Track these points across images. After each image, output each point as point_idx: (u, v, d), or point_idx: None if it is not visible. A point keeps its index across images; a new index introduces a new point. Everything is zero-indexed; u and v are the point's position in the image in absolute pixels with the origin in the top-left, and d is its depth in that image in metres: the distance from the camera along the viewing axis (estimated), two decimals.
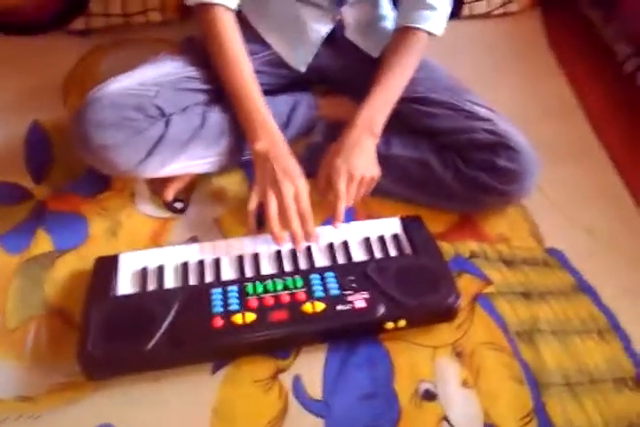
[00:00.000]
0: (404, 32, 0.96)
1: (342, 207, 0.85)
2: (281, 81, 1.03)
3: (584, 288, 0.87)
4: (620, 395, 0.75)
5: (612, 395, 0.75)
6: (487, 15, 1.32)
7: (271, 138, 0.86)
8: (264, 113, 0.87)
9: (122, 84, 0.86)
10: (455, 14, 1.30)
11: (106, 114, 0.83)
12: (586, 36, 1.28)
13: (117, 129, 0.83)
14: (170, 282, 0.80)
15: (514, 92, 1.17)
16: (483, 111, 0.95)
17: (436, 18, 0.95)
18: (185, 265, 0.82)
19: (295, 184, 0.83)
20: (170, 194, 0.95)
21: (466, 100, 0.96)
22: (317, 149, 1.00)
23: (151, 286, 0.80)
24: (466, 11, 1.31)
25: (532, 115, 1.11)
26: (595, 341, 0.81)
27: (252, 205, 0.85)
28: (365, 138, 0.90)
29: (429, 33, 0.96)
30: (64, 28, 1.24)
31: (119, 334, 0.72)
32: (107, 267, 0.81)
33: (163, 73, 0.91)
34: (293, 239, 0.83)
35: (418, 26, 0.95)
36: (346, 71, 1.03)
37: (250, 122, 0.87)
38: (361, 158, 0.88)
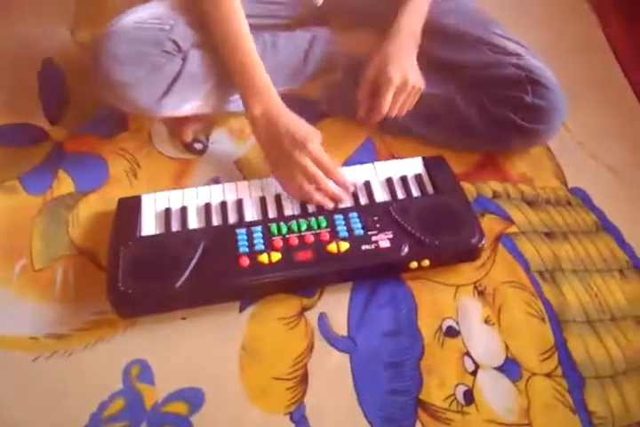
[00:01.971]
0: None
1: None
2: (296, 15, 0.99)
3: (606, 227, 0.87)
4: None
5: (632, 332, 0.76)
6: None
7: (267, 101, 0.81)
8: (261, 77, 0.82)
9: (136, 16, 0.83)
10: None
11: (124, 49, 0.80)
12: None
13: (136, 65, 0.80)
14: (193, 223, 0.81)
15: (541, 28, 1.12)
16: (511, 45, 0.91)
17: None
18: (208, 206, 0.82)
19: (308, 150, 0.79)
20: (188, 134, 0.94)
21: (494, 34, 0.92)
22: (337, 87, 0.97)
23: (175, 227, 0.80)
24: None
25: (558, 50, 1.07)
26: (616, 279, 0.81)
27: (281, 177, 0.82)
28: (410, 45, 0.88)
29: None
30: None
31: (148, 273, 0.73)
32: (130, 208, 0.82)
33: (175, 7, 0.87)
34: (334, 198, 0.81)
35: None
36: (363, 3, 0.98)
37: (246, 86, 0.82)
38: (410, 66, 0.86)
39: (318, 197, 0.80)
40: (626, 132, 1.00)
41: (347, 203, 0.82)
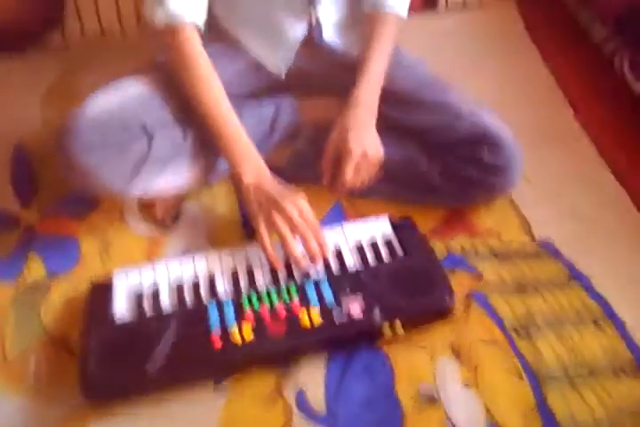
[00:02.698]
0: (374, 17, 0.96)
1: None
2: (260, 85, 1.02)
3: (576, 277, 0.88)
4: (620, 384, 0.76)
5: (611, 384, 0.76)
6: (463, 6, 1.31)
7: (257, 168, 0.84)
8: (247, 143, 0.85)
9: (102, 102, 0.85)
10: (432, 6, 1.29)
11: (89, 135, 0.82)
12: (562, 20, 1.27)
13: (102, 150, 0.82)
14: (166, 301, 0.81)
15: (495, 80, 1.17)
16: (465, 106, 0.94)
17: (399, 0, 0.95)
18: (179, 283, 0.83)
19: (296, 203, 0.81)
20: (160, 211, 0.95)
21: (447, 96, 0.96)
22: (302, 155, 1.00)
23: (147, 308, 0.80)
24: (442, 2, 1.30)
25: (513, 101, 1.11)
26: (591, 330, 0.82)
27: (266, 240, 0.81)
28: (368, 116, 0.90)
29: (397, 16, 0.96)
30: (41, 45, 1.22)
31: (119, 361, 0.72)
32: (101, 292, 0.81)
33: (141, 89, 0.90)
34: (312, 256, 0.82)
35: (385, 9, 0.95)
36: (326, 72, 1.02)
37: (232, 154, 0.85)
38: (369, 138, 0.89)
39: (298, 254, 0.81)
40: (584, 177, 1.03)
41: (318, 266, 0.83)
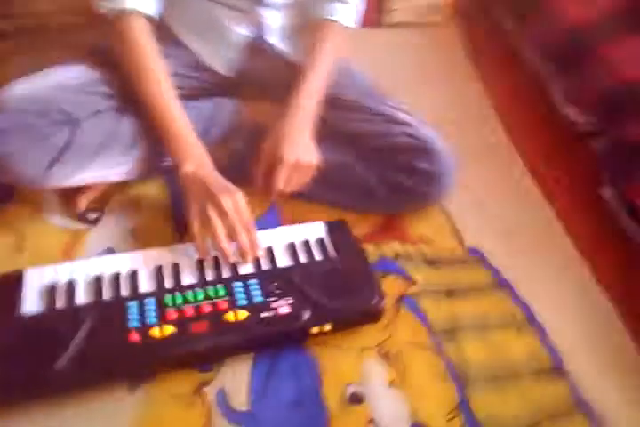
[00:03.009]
0: (320, 25, 0.97)
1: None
2: (201, 84, 1.01)
3: (501, 284, 0.90)
4: (540, 386, 0.77)
5: (532, 387, 0.77)
6: (410, 24, 1.35)
7: (197, 158, 0.83)
8: (187, 133, 0.84)
9: (23, 87, 0.81)
10: (378, 22, 1.31)
11: (6, 120, 0.77)
12: (501, 44, 1.33)
13: (18, 135, 0.78)
14: (81, 297, 0.76)
15: (432, 98, 1.20)
16: (402, 116, 0.96)
17: (346, 10, 0.97)
18: (98, 278, 0.78)
19: (233, 197, 0.79)
20: (82, 203, 0.90)
21: (386, 105, 0.97)
22: (239, 156, 0.98)
23: (60, 304, 0.74)
24: (388, 19, 1.33)
25: (451, 119, 1.14)
26: (513, 335, 0.83)
27: (196, 229, 0.80)
28: (305, 124, 0.90)
29: (343, 26, 0.97)
30: None
31: (25, 355, 0.67)
32: (11, 284, 0.76)
33: (71, 76, 0.86)
34: (242, 252, 0.80)
35: (331, 18, 0.96)
36: (269, 76, 1.02)
37: (173, 143, 0.83)
38: (304, 146, 0.88)
39: (225, 245, 0.79)
40: (514, 191, 1.06)
41: (247, 264, 0.81)
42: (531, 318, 0.85)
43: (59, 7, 1.18)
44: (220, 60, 0.98)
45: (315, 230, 0.89)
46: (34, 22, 1.18)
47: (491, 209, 1.02)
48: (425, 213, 0.99)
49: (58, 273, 0.78)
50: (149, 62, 0.84)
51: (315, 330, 0.76)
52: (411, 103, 1.01)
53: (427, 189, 0.93)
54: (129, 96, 0.88)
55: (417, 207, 0.98)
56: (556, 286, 0.90)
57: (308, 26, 1.02)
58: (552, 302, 0.88)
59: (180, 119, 0.84)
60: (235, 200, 0.79)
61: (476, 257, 0.94)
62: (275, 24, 0.98)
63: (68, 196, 0.91)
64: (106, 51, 0.93)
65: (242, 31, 0.96)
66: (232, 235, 0.79)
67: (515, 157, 1.13)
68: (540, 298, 0.88)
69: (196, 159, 0.83)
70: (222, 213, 0.78)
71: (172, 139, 0.83)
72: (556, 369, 0.79)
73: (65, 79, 0.85)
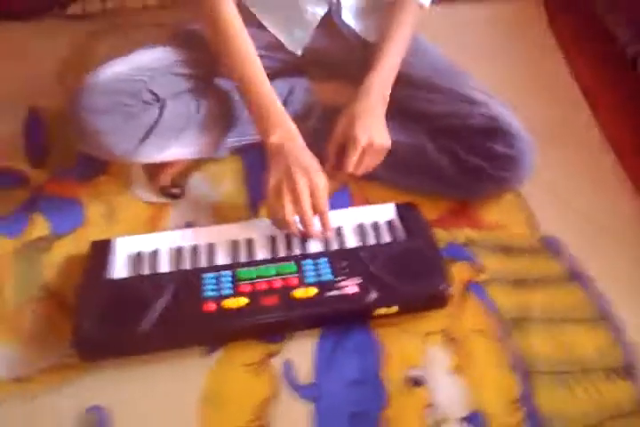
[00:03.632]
0: (395, 3, 0.96)
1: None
2: (277, 64, 1.02)
3: (577, 276, 0.87)
4: (611, 384, 0.75)
5: (602, 384, 0.75)
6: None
7: (286, 131, 0.85)
8: (278, 107, 0.86)
9: (116, 69, 0.86)
10: None
11: (100, 99, 0.83)
12: (587, 20, 1.26)
13: (112, 114, 0.83)
14: (164, 266, 0.81)
15: (512, 76, 1.16)
16: (478, 95, 0.94)
17: None
18: (179, 250, 0.83)
19: (311, 178, 0.81)
20: (166, 179, 0.96)
21: (461, 84, 0.95)
22: (313, 135, 0.99)
23: (145, 271, 0.80)
24: None
25: (530, 97, 1.10)
26: (586, 329, 0.81)
27: (270, 199, 0.82)
28: (378, 106, 0.90)
29: (419, 5, 0.96)
30: (60, 12, 1.23)
31: (112, 317, 0.73)
32: (101, 251, 0.82)
33: (157, 58, 0.91)
34: (305, 232, 0.82)
35: None
36: (342, 55, 1.02)
37: (264, 116, 0.85)
38: (377, 127, 0.88)
39: (290, 218, 0.81)
40: (597, 177, 1.01)
41: (314, 242, 0.83)
42: (606, 314, 0.82)
43: None
44: (295, 40, 0.99)
45: (385, 212, 0.90)
46: (119, 4, 1.23)
47: (570, 197, 0.98)
48: (499, 199, 0.97)
49: (143, 243, 0.84)
50: (239, 41, 0.86)
51: (381, 311, 0.77)
52: (488, 79, 0.98)
53: (503, 174, 0.90)
54: (211, 76, 0.92)
55: (492, 193, 0.96)
56: (635, 284, 0.86)
57: (381, 4, 1.01)
58: (631, 297, 0.84)
59: (270, 94, 0.86)
60: (312, 182, 0.81)
61: (551, 246, 0.91)
62: (348, 3, 0.98)
63: (153, 172, 0.97)
64: (188, 31, 0.97)
65: (317, 10, 0.97)
66: (300, 221, 0.81)
67: (600, 140, 1.07)
68: (618, 293, 0.84)
69: (285, 132, 0.84)
70: (294, 191, 0.80)
71: (264, 111, 0.85)
72: (628, 368, 0.76)
73: (152, 61, 0.90)
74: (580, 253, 0.90)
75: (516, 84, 1.11)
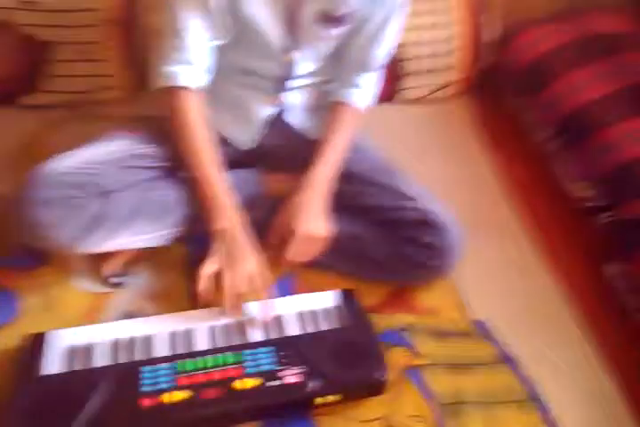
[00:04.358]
0: (336, 106, 1.06)
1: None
2: (226, 157, 1.07)
3: (505, 358, 0.92)
4: None
5: None
6: (420, 100, 1.44)
7: (232, 219, 0.91)
8: (225, 198, 0.92)
9: (66, 162, 0.89)
10: (391, 99, 1.41)
11: (46, 191, 0.85)
12: (510, 120, 1.41)
13: (55, 206, 0.84)
14: (98, 361, 0.80)
15: (443, 172, 1.25)
16: (411, 190, 1.02)
17: (360, 94, 1.06)
18: (115, 343, 0.82)
19: (246, 265, 0.87)
20: (109, 269, 0.96)
21: (396, 180, 1.03)
22: (260, 225, 1.04)
23: (78, 366, 0.79)
24: (401, 96, 1.42)
25: (458, 193, 1.18)
26: (514, 411, 0.84)
27: (207, 270, 0.87)
28: (319, 198, 0.97)
29: (357, 108, 1.06)
30: (14, 102, 1.26)
31: (43, 418, 0.71)
32: (34, 345, 0.80)
33: (111, 151, 0.94)
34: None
35: (346, 101, 1.05)
36: (288, 151, 1.09)
37: (210, 205, 0.92)
38: (315, 218, 0.95)
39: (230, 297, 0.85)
40: (519, 263, 1.09)
41: (256, 333, 0.86)
42: (534, 396, 0.86)
43: (96, 86, 1.28)
44: (243, 136, 1.06)
45: (324, 300, 0.93)
46: (77, 98, 1.28)
47: (498, 283, 1.05)
48: (433, 285, 1.02)
49: (77, 336, 0.83)
50: (197, 131, 0.93)
51: (319, 400, 0.78)
52: (421, 175, 1.07)
53: (433, 263, 0.97)
54: (167, 168, 0.97)
55: (425, 279, 1.02)
56: (560, 364, 0.92)
57: (325, 106, 1.10)
58: (556, 380, 0.89)
59: (216, 184, 0.92)
60: (250, 268, 0.86)
61: (481, 330, 0.96)
62: (295, 104, 1.07)
63: (95, 261, 0.97)
64: (148, 124, 1.02)
65: (263, 110, 1.05)
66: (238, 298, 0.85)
67: (521, 231, 1.16)
68: (544, 376, 0.89)
69: (231, 219, 0.90)
70: (232, 281, 0.85)
71: (210, 201, 0.91)
72: None
73: (105, 154, 0.93)
74: (506, 338, 0.95)
75: (446, 179, 1.21)
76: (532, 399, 0.86)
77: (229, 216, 0.91)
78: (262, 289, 0.87)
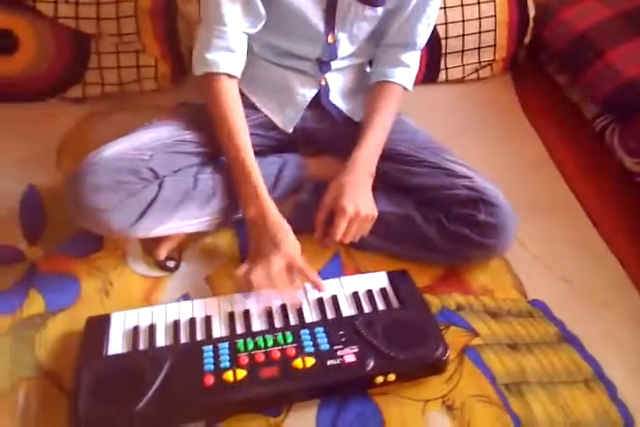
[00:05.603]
0: (381, 86, 1.05)
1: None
2: (270, 142, 1.09)
3: (567, 338, 0.89)
4: None
5: None
6: (462, 80, 1.41)
7: (260, 207, 0.90)
8: (257, 184, 0.92)
9: (117, 148, 0.91)
10: (433, 79, 1.39)
11: (101, 177, 0.87)
12: (555, 98, 1.37)
13: (111, 192, 0.86)
14: (161, 341, 0.81)
15: (489, 152, 1.23)
16: (461, 169, 1.00)
17: (407, 74, 1.06)
18: (176, 323, 0.84)
19: (284, 253, 0.87)
20: (162, 253, 0.97)
21: (445, 160, 1.02)
22: (304, 208, 1.04)
23: (143, 346, 0.80)
24: (442, 76, 1.40)
25: (507, 173, 1.16)
26: (581, 391, 0.82)
27: (241, 270, 0.88)
28: (364, 178, 0.96)
29: (403, 87, 1.06)
30: (60, 95, 1.29)
31: (110, 396, 0.72)
32: (98, 327, 0.82)
33: (156, 137, 0.96)
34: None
35: (393, 80, 1.05)
36: (330, 133, 1.09)
37: (242, 191, 0.92)
38: (363, 197, 0.94)
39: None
40: (576, 243, 1.06)
41: (314, 313, 0.86)
42: (599, 375, 0.84)
43: (138, 76, 1.30)
44: (286, 120, 1.06)
45: (377, 280, 0.92)
46: (117, 88, 1.30)
47: (551, 261, 1.02)
48: (486, 265, 1.00)
49: (140, 317, 0.84)
50: (232, 117, 0.94)
51: (379, 379, 0.78)
52: (466, 155, 1.05)
53: (487, 241, 0.95)
54: (211, 153, 0.97)
55: (478, 259, 1.00)
56: (621, 343, 0.89)
57: (366, 86, 1.09)
58: (621, 358, 0.87)
59: (249, 170, 0.92)
60: (286, 257, 0.87)
61: (540, 309, 0.94)
62: (336, 86, 1.07)
63: (150, 246, 0.98)
64: (189, 111, 1.03)
65: (306, 92, 1.05)
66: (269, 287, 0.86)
67: (576, 208, 1.13)
68: (608, 354, 0.87)
69: (260, 207, 0.90)
70: (268, 272, 0.86)
71: (242, 187, 0.92)
72: None
73: (152, 140, 0.95)
74: (565, 317, 0.93)
75: (493, 159, 1.18)
76: (599, 378, 0.83)
77: (258, 203, 0.90)
78: (303, 272, 0.87)
